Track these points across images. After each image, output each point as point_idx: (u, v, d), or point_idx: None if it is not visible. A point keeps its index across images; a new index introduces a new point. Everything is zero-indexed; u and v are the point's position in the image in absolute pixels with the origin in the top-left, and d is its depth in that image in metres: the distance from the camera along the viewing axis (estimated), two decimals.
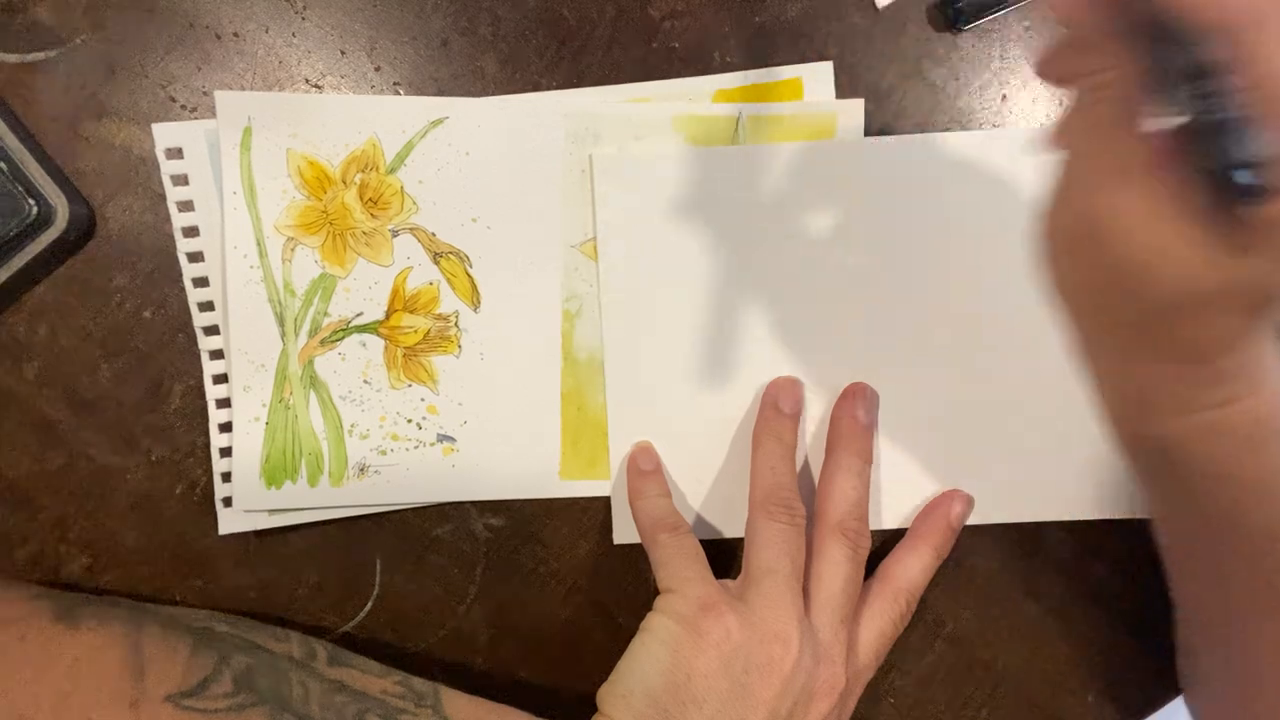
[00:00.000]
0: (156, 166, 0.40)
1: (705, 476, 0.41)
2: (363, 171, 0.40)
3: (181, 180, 0.40)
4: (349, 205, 0.40)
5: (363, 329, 0.41)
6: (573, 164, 0.40)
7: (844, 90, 0.41)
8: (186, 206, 0.40)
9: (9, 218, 0.38)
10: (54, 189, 0.39)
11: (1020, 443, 0.40)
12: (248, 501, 0.40)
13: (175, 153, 0.40)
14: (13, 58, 0.40)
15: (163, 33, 0.40)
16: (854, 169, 0.40)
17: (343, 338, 0.41)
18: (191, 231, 0.40)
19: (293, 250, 0.40)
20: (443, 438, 0.41)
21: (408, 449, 0.41)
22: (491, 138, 0.40)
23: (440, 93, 0.40)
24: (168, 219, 0.40)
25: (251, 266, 0.40)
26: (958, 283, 0.40)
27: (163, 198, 0.40)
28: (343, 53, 0.40)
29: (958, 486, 0.41)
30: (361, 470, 0.41)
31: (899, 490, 0.41)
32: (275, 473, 0.40)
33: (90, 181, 0.40)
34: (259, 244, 0.40)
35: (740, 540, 0.40)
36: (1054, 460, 0.40)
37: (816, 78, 0.41)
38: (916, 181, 0.40)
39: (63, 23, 0.40)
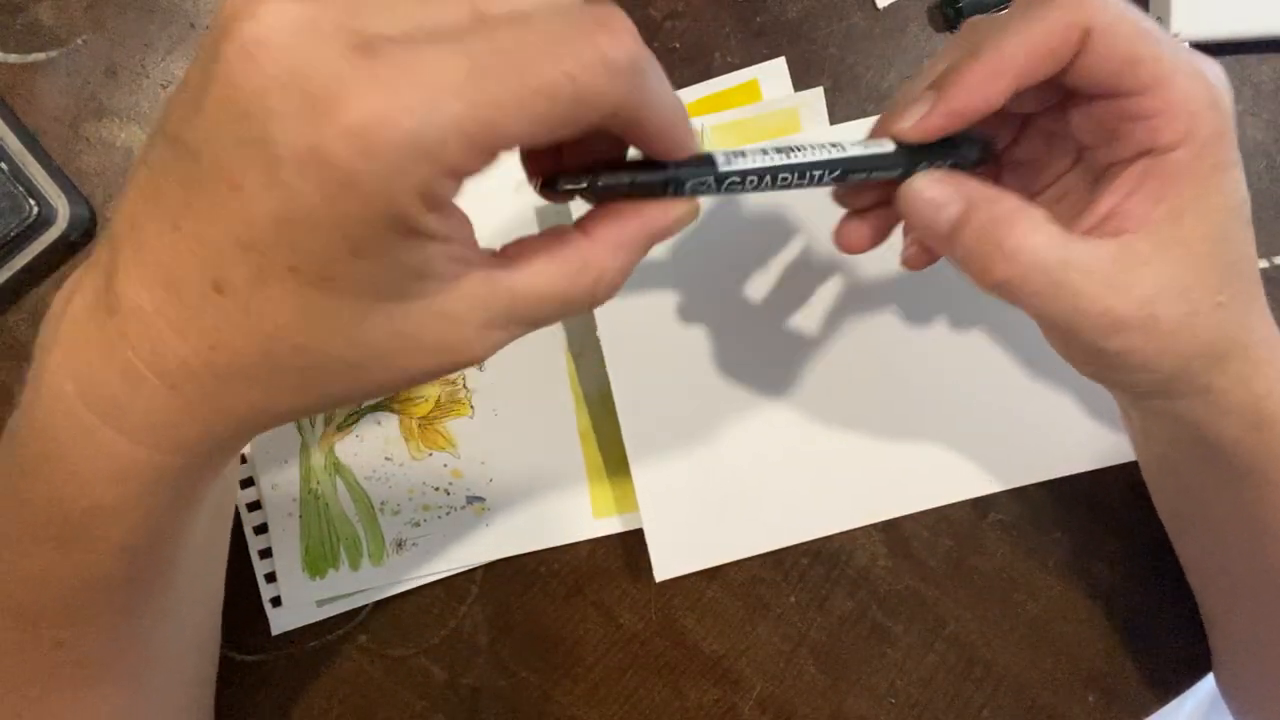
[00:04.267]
0: None
1: (734, 491, 0.41)
2: None
3: None
4: None
5: (375, 408, 0.41)
6: (549, 208, 0.40)
7: (845, 90, 0.41)
8: None
9: (10, 218, 0.38)
10: (54, 189, 0.39)
11: (1018, 410, 0.41)
12: (296, 597, 0.41)
13: None
14: (13, 58, 0.40)
15: (163, 33, 0.40)
16: None
17: (357, 420, 0.41)
18: None
19: None
20: (472, 499, 0.41)
21: (440, 516, 0.41)
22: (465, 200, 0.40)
23: None
24: None
25: None
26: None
27: None
28: None
29: (953, 460, 0.41)
30: (399, 546, 0.41)
31: (900, 475, 0.41)
32: (317, 564, 0.41)
33: (91, 181, 0.40)
34: None
35: (769, 558, 0.41)
36: (1046, 421, 0.41)
37: (772, 75, 0.41)
38: None
39: (63, 23, 0.40)
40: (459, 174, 0.19)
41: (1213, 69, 0.27)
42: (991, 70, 0.26)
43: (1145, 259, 0.26)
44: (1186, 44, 0.28)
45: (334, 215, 0.19)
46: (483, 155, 0.19)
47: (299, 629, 0.41)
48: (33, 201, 0.38)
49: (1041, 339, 0.30)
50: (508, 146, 0.19)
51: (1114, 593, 0.42)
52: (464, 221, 0.22)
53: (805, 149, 0.26)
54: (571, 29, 0.19)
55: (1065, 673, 0.42)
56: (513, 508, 0.41)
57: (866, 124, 0.39)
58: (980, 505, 0.41)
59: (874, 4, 0.41)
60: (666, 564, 0.41)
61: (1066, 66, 0.26)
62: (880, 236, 0.31)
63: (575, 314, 0.24)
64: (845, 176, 0.27)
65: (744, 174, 0.26)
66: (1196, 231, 0.26)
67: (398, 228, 0.19)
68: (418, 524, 0.41)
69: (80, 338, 0.22)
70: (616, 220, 0.24)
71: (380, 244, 0.19)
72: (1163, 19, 0.39)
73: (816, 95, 0.40)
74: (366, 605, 0.41)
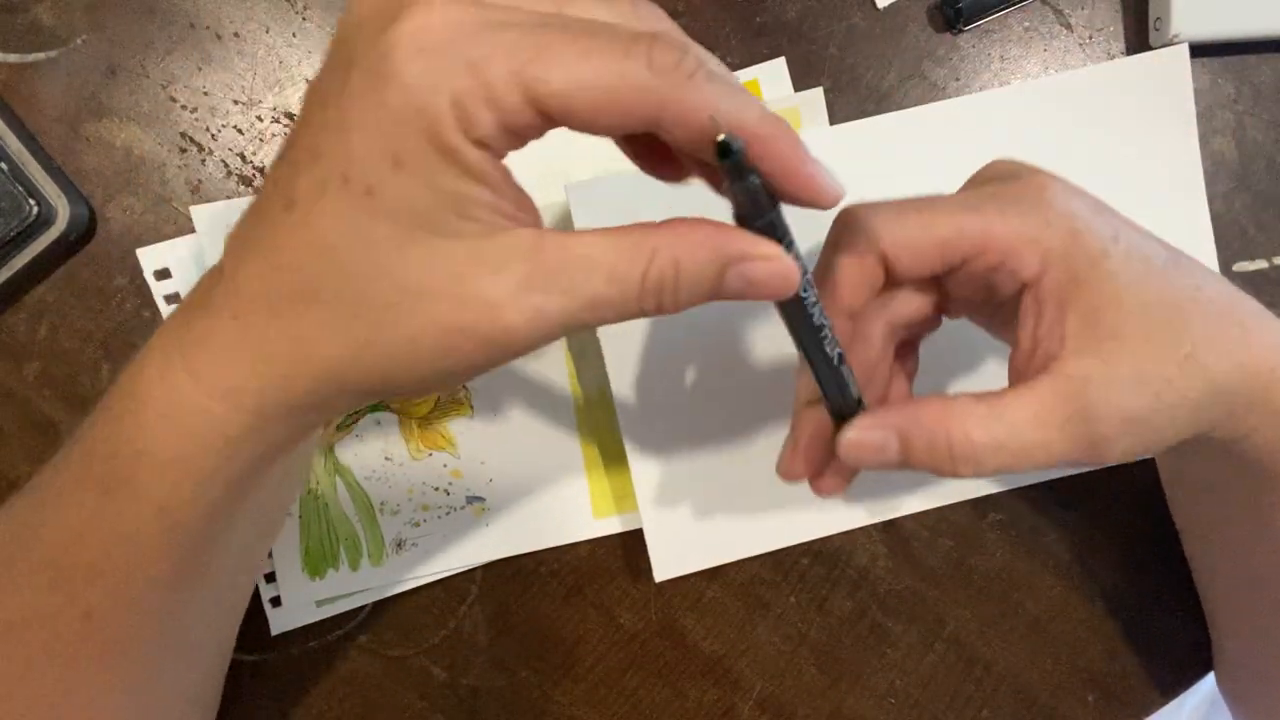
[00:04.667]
0: (157, 167, 0.40)
1: (734, 491, 0.41)
2: None
3: (175, 299, 0.40)
4: None
5: (375, 408, 0.41)
6: (549, 209, 0.40)
7: (845, 90, 0.41)
8: None
9: (9, 218, 0.38)
10: (54, 189, 0.39)
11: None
12: (296, 597, 0.41)
13: (164, 274, 0.40)
14: (13, 58, 0.40)
15: (163, 33, 0.40)
16: (824, 158, 0.39)
17: (357, 420, 0.41)
18: None
19: None
20: (472, 499, 0.41)
21: (440, 516, 0.41)
22: None
23: None
24: (169, 220, 0.40)
25: None
26: None
27: (164, 199, 0.40)
28: None
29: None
30: (399, 546, 0.41)
31: (900, 475, 0.41)
32: (316, 564, 0.41)
33: (90, 181, 0.40)
34: None
35: (768, 556, 0.41)
36: None
37: (772, 76, 0.41)
38: (888, 160, 0.40)
39: (63, 23, 0.40)
40: (499, 107, 0.20)
41: (1026, 191, 0.27)
42: (833, 313, 0.28)
43: (1088, 374, 0.26)
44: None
45: (380, 114, 0.20)
46: (523, 96, 0.20)
47: (299, 629, 0.41)
48: (32, 201, 0.38)
49: None
50: (550, 98, 0.20)
51: (1114, 593, 0.42)
52: (523, 196, 0.23)
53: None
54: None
55: (1065, 673, 0.42)
56: (512, 508, 0.41)
57: (867, 124, 0.40)
58: (980, 505, 0.41)
59: (874, 4, 0.41)
60: (666, 564, 0.40)
61: (895, 277, 0.28)
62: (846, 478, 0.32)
63: (626, 305, 0.23)
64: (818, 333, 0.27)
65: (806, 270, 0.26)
66: (1118, 320, 0.26)
67: (434, 139, 0.20)
68: (417, 524, 0.41)
69: (202, 281, 0.25)
70: (694, 222, 0.24)
71: (418, 156, 0.20)
72: (1162, 19, 0.39)
73: (816, 95, 0.40)
74: (366, 605, 0.41)
